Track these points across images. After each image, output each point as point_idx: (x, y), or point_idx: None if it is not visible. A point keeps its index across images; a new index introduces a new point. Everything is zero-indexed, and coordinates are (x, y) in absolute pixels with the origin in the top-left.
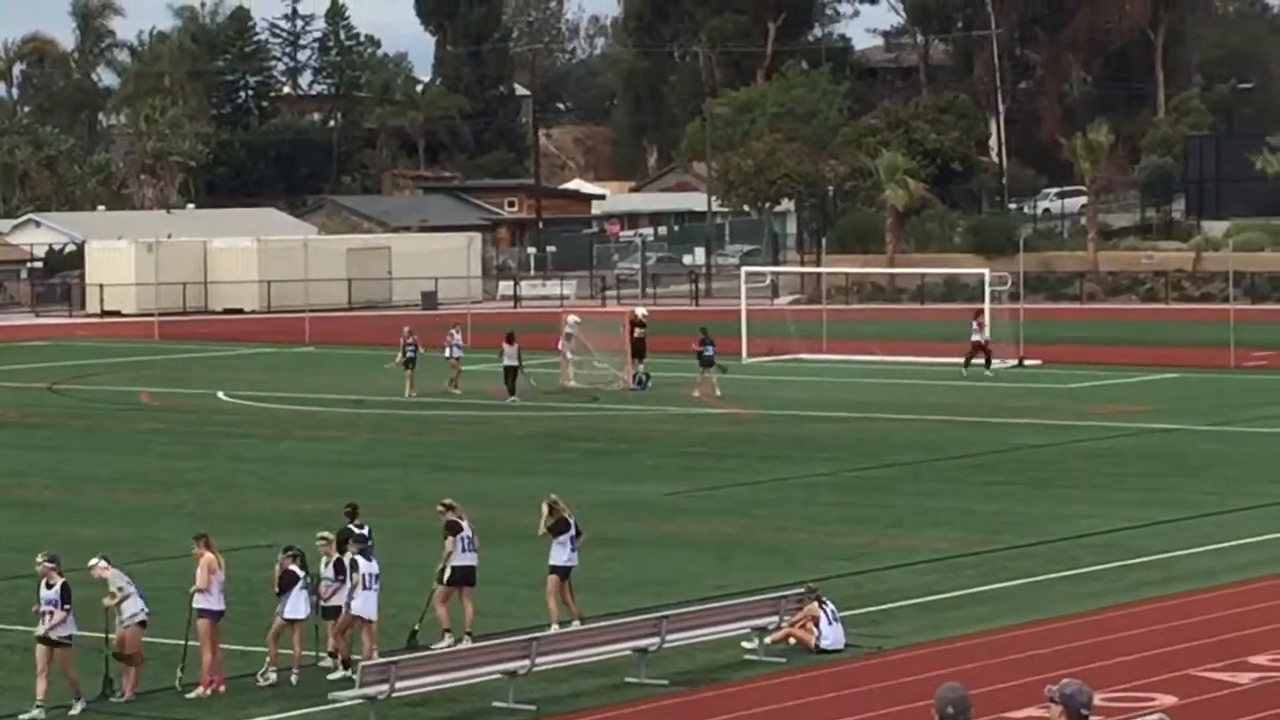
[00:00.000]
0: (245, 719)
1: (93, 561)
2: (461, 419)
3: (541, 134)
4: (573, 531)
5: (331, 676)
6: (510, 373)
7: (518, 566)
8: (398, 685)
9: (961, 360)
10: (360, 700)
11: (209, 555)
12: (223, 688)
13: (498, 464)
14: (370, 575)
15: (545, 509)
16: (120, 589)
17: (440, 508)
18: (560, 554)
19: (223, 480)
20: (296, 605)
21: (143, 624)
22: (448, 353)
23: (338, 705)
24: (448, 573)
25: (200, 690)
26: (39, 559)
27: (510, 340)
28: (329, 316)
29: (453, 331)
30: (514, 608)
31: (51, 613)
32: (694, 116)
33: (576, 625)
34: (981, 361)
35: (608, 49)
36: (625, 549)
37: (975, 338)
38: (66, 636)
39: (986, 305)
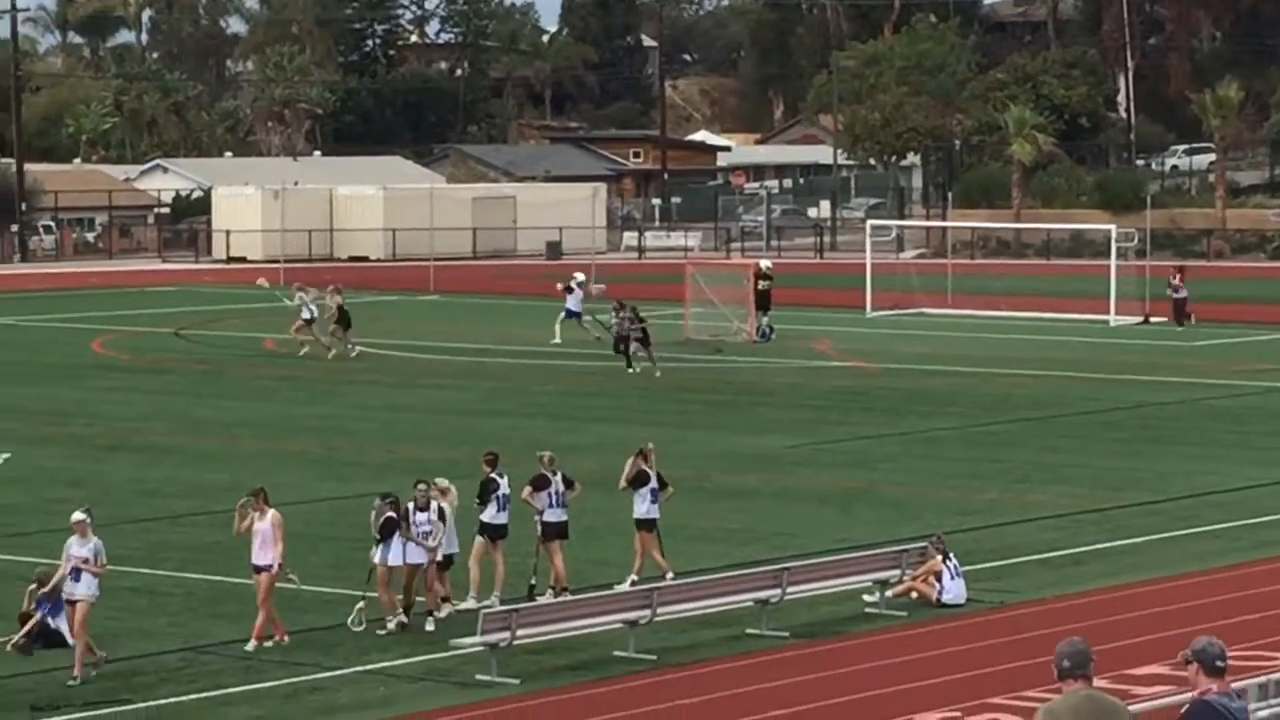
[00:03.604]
0: (368, 665)
1: (78, 515)
2: (585, 369)
3: (668, 85)
4: (653, 484)
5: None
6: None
7: None
8: (518, 633)
9: (1169, 320)
10: (481, 647)
11: (274, 511)
12: (286, 638)
13: (620, 414)
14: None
15: (630, 462)
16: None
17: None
18: (640, 506)
19: (346, 427)
20: (397, 552)
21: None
22: (304, 312)
23: (459, 651)
24: (539, 528)
25: (254, 643)
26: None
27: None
28: (454, 265)
29: (302, 290)
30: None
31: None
32: (821, 69)
33: (670, 578)
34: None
35: (735, 0)
36: (748, 501)
37: (1177, 295)
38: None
39: (1112, 261)
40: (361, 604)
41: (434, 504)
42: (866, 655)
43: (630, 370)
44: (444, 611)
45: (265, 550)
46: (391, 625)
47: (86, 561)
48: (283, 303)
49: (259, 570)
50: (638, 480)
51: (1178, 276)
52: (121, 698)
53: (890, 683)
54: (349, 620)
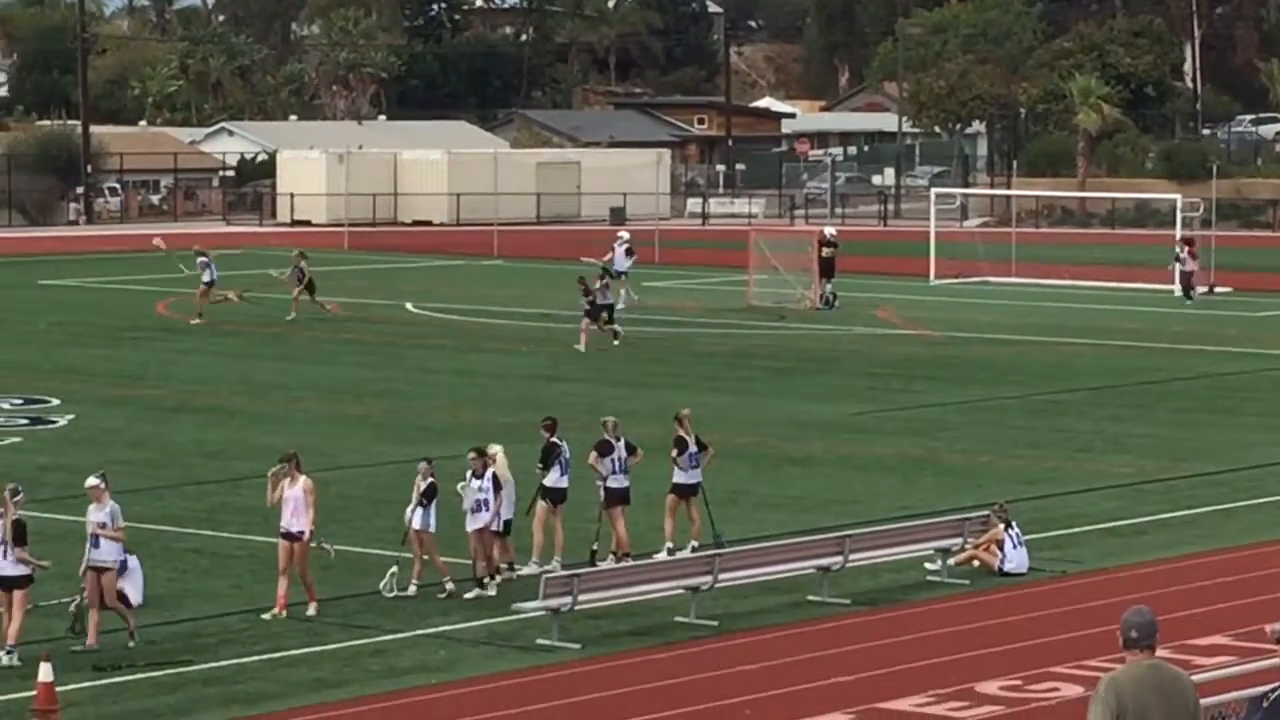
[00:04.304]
0: (429, 628)
1: (92, 481)
2: (648, 335)
3: (733, 51)
4: (691, 449)
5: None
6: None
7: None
8: (580, 598)
9: (1179, 291)
10: (543, 612)
11: (306, 477)
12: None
13: (684, 380)
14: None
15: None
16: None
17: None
18: (677, 473)
19: (409, 391)
20: (428, 517)
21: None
22: (205, 275)
23: (522, 616)
24: (601, 494)
25: (276, 611)
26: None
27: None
28: (517, 230)
29: (202, 253)
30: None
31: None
32: (886, 36)
33: (693, 545)
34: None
35: None
36: (810, 468)
37: (1185, 267)
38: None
39: (1177, 230)
40: (394, 569)
41: (490, 471)
42: (928, 623)
43: (615, 342)
44: (490, 588)
45: (297, 517)
46: (451, 586)
47: (104, 526)
48: (180, 270)
49: (288, 537)
50: (674, 445)
51: (1186, 249)
52: (183, 659)
53: (952, 651)
54: (381, 585)
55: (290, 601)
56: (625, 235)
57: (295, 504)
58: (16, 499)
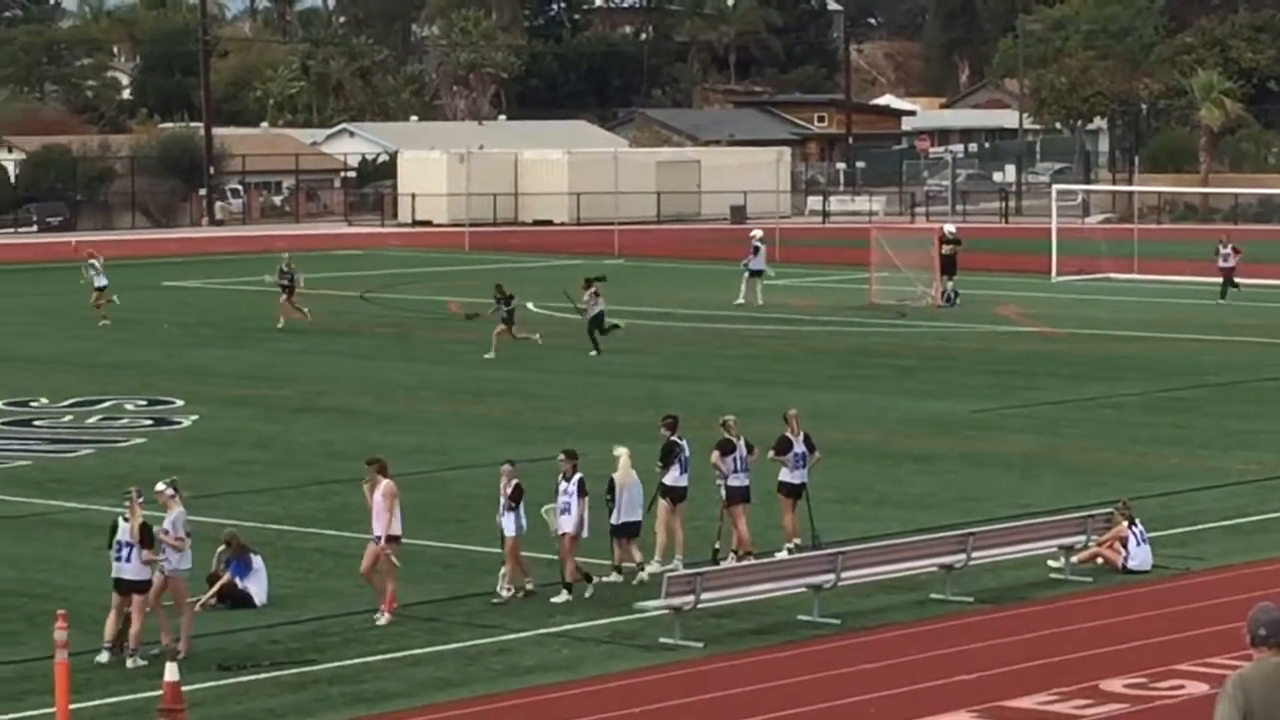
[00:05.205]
0: (553, 627)
1: (160, 487)
2: (769, 334)
3: (853, 49)
4: (798, 449)
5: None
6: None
7: (821, 481)
8: (702, 597)
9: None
10: (666, 610)
11: (388, 481)
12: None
13: (804, 379)
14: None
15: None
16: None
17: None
18: (784, 472)
19: (530, 391)
20: (520, 521)
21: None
22: (97, 281)
23: (644, 614)
24: (722, 492)
25: (385, 613)
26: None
27: (755, 250)
28: (638, 229)
29: (92, 258)
30: (819, 521)
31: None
32: (1006, 32)
33: (789, 547)
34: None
35: None
36: (932, 465)
37: (1226, 264)
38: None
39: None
40: (503, 570)
41: (578, 475)
42: (1051, 621)
43: (593, 353)
44: (588, 590)
45: (378, 521)
46: (505, 594)
47: (165, 533)
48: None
49: (376, 540)
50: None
51: (1229, 244)
52: (308, 658)
53: (1076, 649)
54: (494, 599)
55: (406, 601)
56: (759, 234)
57: (376, 508)
58: (140, 500)
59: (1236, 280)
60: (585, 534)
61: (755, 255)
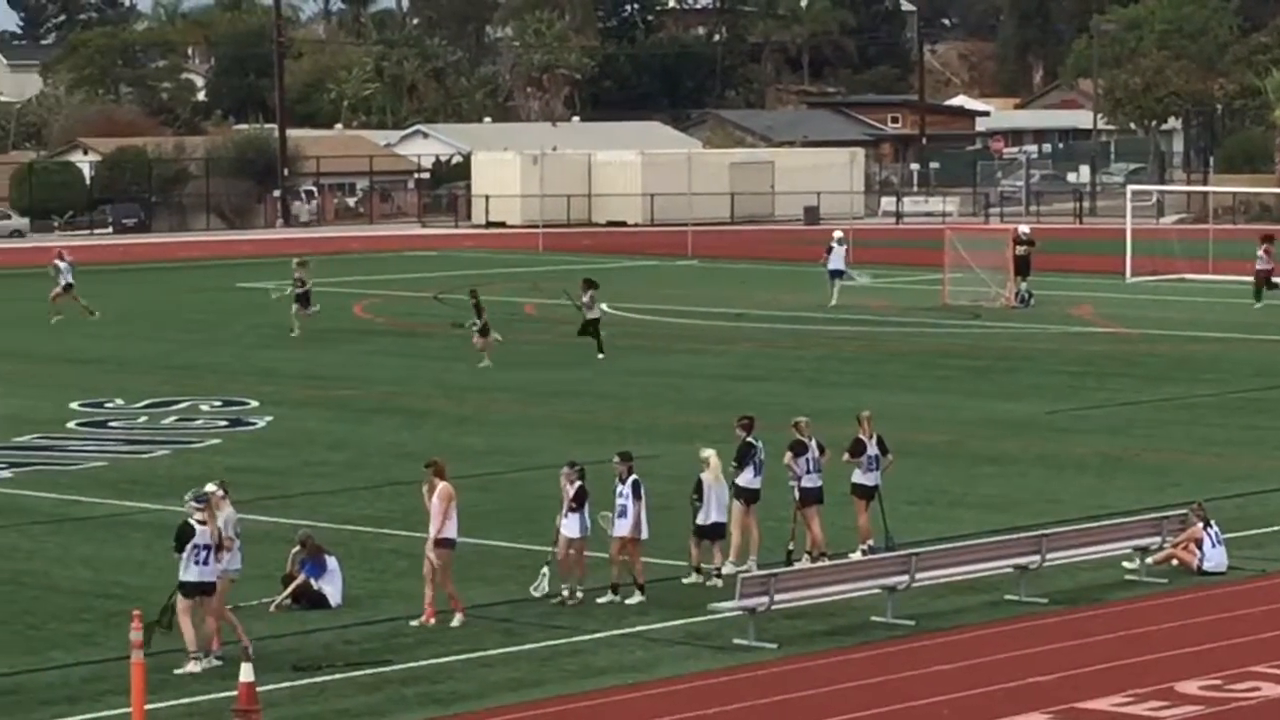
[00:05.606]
0: (626, 629)
1: (210, 488)
2: (843, 334)
3: (926, 50)
4: (872, 451)
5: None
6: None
7: (895, 483)
8: (776, 598)
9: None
10: (740, 611)
11: (445, 484)
12: (431, 620)
13: (878, 380)
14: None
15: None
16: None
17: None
18: (857, 473)
19: (604, 392)
20: (584, 523)
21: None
22: (62, 279)
23: (718, 615)
24: (796, 494)
25: (425, 619)
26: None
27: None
28: (711, 230)
29: (60, 258)
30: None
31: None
32: (1081, 33)
33: (863, 549)
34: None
35: None
36: (1006, 466)
37: (1261, 265)
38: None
39: None
40: (545, 570)
41: (632, 478)
42: (1126, 622)
43: (600, 355)
44: (633, 598)
45: (433, 523)
46: (549, 593)
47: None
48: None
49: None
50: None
51: (1265, 246)
52: (382, 659)
53: (1151, 650)
54: (532, 586)
55: (480, 602)
56: (839, 234)
57: (433, 511)
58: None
59: (1276, 280)
60: (644, 535)
61: (829, 255)
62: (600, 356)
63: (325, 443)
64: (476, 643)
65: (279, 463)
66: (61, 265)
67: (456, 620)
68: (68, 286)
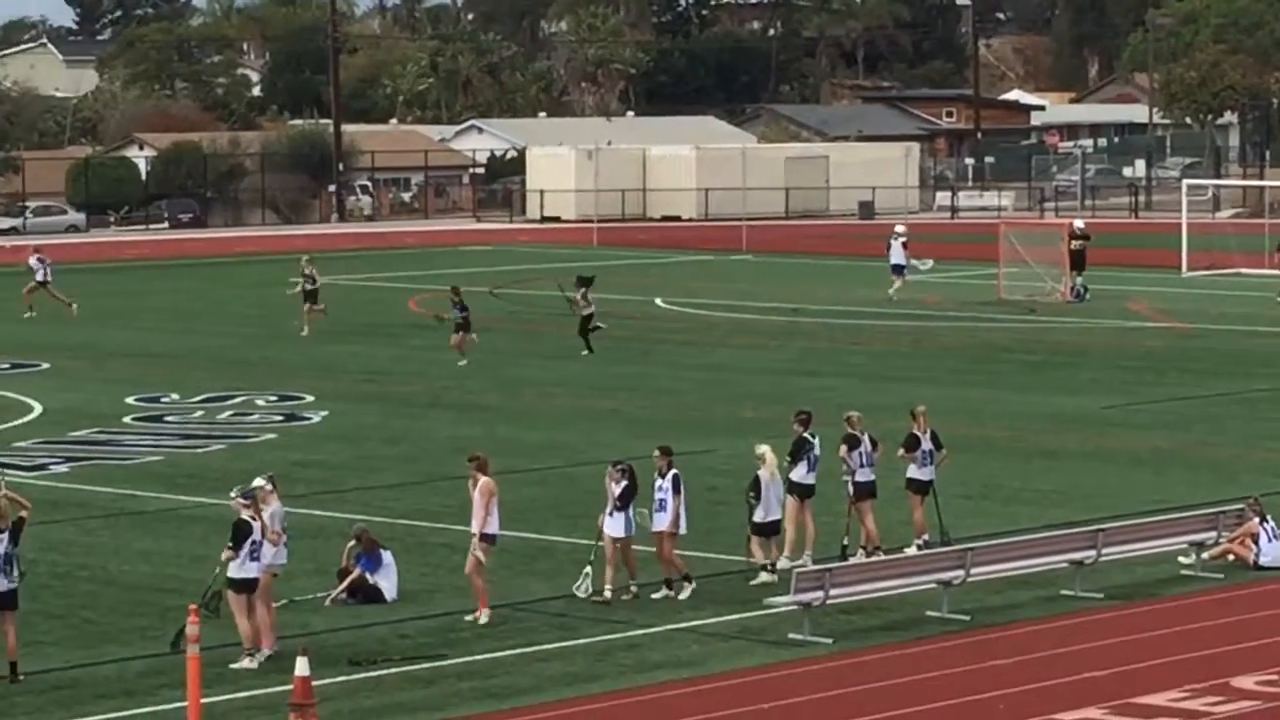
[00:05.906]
0: (681, 623)
1: (259, 482)
2: (898, 329)
3: (981, 44)
4: (926, 446)
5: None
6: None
7: (950, 477)
8: (831, 592)
9: None
10: (794, 606)
11: (486, 479)
12: (481, 616)
13: (933, 375)
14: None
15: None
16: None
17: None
18: (912, 468)
19: (660, 386)
20: (622, 523)
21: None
22: (40, 275)
23: (773, 610)
24: (850, 488)
25: (483, 614)
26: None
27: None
28: (766, 225)
29: (38, 255)
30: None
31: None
32: (1136, 27)
33: (919, 543)
34: None
35: None
36: (1062, 461)
37: None
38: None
39: None
40: (588, 569)
41: (672, 472)
42: (1182, 618)
43: (585, 352)
44: (684, 592)
45: (475, 518)
46: (592, 593)
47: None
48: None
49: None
50: (910, 444)
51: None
52: (438, 653)
53: (1207, 645)
54: (575, 586)
55: (536, 596)
56: (901, 230)
57: (475, 506)
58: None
59: None
60: (683, 530)
61: (889, 250)
62: (585, 353)
63: (381, 437)
64: (531, 637)
65: (335, 457)
66: (34, 263)
67: (484, 618)
68: (43, 283)
